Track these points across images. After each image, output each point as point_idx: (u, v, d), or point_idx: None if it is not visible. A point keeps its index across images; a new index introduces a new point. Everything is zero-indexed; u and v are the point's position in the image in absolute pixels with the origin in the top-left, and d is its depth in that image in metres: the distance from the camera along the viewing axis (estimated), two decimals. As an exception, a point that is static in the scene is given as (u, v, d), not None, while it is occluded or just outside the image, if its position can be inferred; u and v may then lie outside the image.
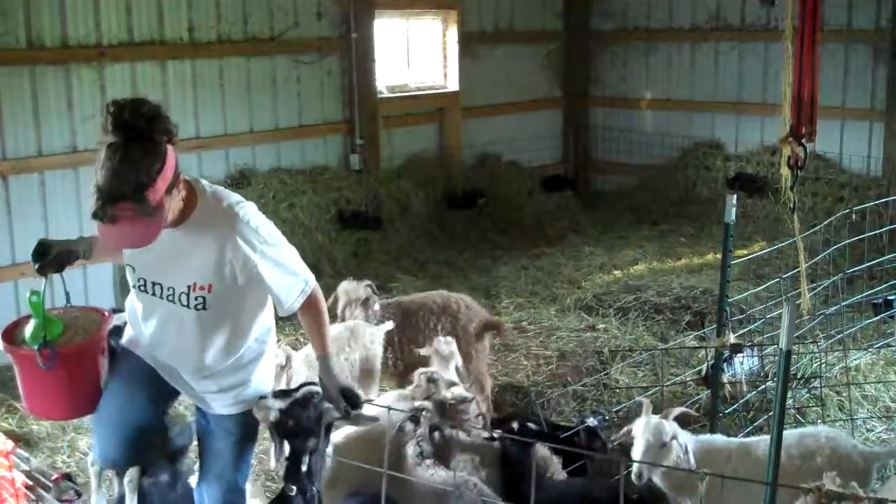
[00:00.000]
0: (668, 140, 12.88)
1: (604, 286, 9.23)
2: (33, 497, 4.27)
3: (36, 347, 3.47)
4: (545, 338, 7.82)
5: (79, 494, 4.65)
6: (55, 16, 8.19)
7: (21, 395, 3.74)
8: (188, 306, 3.50)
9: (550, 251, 10.76)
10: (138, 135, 3.11)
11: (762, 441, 4.52)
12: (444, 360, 5.64)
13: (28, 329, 3.58)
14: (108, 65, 8.58)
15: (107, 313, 3.79)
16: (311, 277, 3.65)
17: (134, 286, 3.63)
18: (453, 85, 12.01)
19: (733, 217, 5.48)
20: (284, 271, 3.53)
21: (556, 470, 4.77)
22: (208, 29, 9.38)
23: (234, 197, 3.48)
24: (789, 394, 5.60)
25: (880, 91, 11.16)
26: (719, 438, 4.85)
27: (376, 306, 6.39)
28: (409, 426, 4.64)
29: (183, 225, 3.39)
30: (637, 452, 4.40)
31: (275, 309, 3.73)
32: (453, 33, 11.95)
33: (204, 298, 3.47)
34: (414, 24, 11.80)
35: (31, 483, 4.34)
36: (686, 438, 4.50)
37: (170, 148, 3.21)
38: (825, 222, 7.11)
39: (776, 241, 8.85)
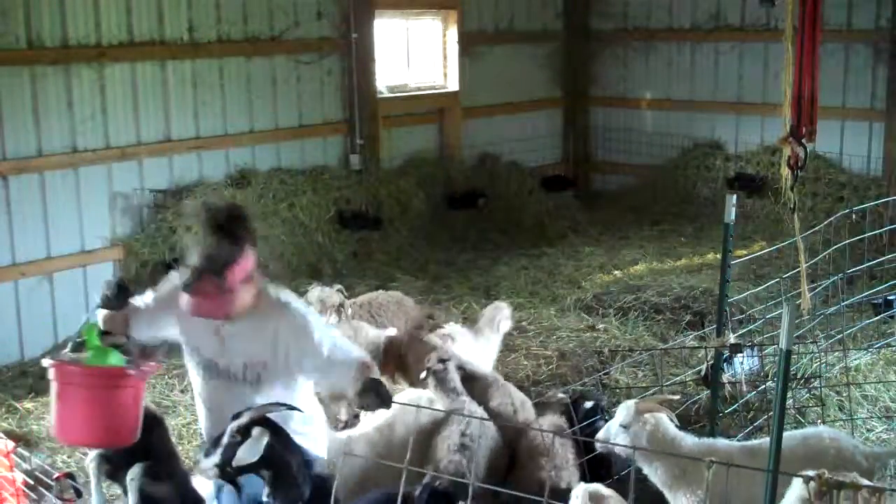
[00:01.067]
0: (668, 140, 12.88)
1: (604, 286, 9.23)
2: (34, 496, 4.26)
3: (114, 361, 3.68)
4: (545, 338, 7.82)
5: (79, 494, 4.63)
6: (55, 16, 8.18)
7: (60, 425, 3.81)
8: (244, 380, 3.99)
9: (550, 251, 10.76)
10: (228, 233, 3.82)
11: (764, 444, 4.52)
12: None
13: (83, 357, 3.76)
14: (108, 65, 8.57)
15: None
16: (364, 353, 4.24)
17: (197, 363, 4.11)
18: (453, 85, 12.01)
19: (733, 217, 5.49)
20: (333, 332, 4.21)
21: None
22: (208, 29, 9.37)
23: (292, 296, 4.13)
24: (789, 394, 5.60)
25: (880, 91, 11.17)
26: (721, 442, 4.83)
27: (349, 311, 6.64)
28: (438, 365, 5.20)
29: (248, 315, 3.95)
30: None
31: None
32: (453, 33, 11.94)
33: (259, 374, 3.97)
34: (414, 24, 11.80)
35: (31, 482, 4.34)
36: (674, 433, 4.57)
37: (250, 250, 3.88)
38: (825, 222, 7.10)
39: (776, 241, 8.86)
